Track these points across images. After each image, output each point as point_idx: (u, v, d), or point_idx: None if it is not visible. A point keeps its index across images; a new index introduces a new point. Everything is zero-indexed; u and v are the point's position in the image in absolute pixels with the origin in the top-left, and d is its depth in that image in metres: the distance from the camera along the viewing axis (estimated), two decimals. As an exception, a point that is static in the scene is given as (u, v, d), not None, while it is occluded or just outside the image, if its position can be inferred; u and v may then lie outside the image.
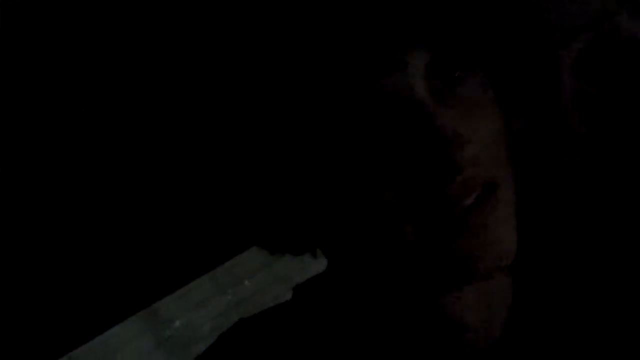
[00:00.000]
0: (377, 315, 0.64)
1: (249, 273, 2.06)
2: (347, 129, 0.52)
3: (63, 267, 1.96)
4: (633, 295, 0.65)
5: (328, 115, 0.52)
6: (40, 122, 1.85)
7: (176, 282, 2.01)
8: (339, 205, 0.54)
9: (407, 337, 0.63)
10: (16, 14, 1.76)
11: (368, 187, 0.53)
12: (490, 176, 0.54)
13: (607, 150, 0.73)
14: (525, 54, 0.60)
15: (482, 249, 0.52)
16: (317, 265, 0.72)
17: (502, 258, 0.53)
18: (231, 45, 0.54)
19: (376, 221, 0.53)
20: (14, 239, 1.93)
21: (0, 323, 1.94)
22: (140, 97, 1.69)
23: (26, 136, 1.86)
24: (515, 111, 0.60)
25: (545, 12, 0.64)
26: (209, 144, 0.58)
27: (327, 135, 0.53)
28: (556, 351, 0.63)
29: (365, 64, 0.51)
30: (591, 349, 0.63)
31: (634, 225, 0.69)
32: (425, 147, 0.50)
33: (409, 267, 0.54)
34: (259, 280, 2.07)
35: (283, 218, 0.59)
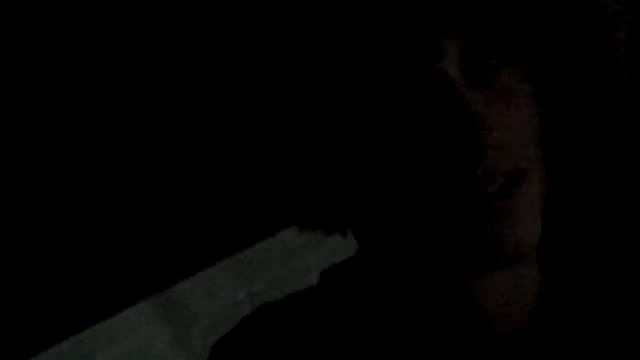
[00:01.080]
0: (403, 300, 0.65)
1: (266, 265, 2.07)
2: (382, 109, 0.54)
3: (76, 248, 1.97)
4: None
5: (365, 95, 0.54)
6: (45, 110, 1.85)
7: (190, 268, 2.01)
8: (370, 184, 0.56)
9: (431, 322, 0.64)
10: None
11: (397, 168, 0.54)
12: (518, 165, 0.55)
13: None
14: (573, 40, 0.60)
15: (502, 236, 0.54)
16: (334, 259, 0.73)
17: (522, 247, 0.54)
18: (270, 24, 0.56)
19: (403, 201, 0.55)
20: (27, 221, 1.94)
21: (11, 305, 1.96)
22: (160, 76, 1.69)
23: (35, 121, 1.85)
24: (561, 108, 0.61)
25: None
26: (237, 125, 0.60)
27: (362, 114, 0.55)
28: (582, 343, 0.63)
29: (402, 48, 0.53)
30: (618, 342, 0.64)
31: None
32: (453, 129, 0.52)
33: (434, 249, 0.56)
34: (275, 273, 2.07)
35: (316, 194, 0.61)
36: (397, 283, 0.65)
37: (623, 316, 0.65)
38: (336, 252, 0.75)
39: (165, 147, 1.86)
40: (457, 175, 0.53)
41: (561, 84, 0.61)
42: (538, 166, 0.57)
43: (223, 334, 0.75)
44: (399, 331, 0.66)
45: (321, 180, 0.59)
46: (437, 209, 0.54)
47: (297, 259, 2.05)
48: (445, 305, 0.62)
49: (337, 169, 0.57)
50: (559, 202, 0.68)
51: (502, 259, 0.54)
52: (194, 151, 1.82)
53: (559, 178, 0.68)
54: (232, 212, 1.90)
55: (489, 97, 0.54)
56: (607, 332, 0.64)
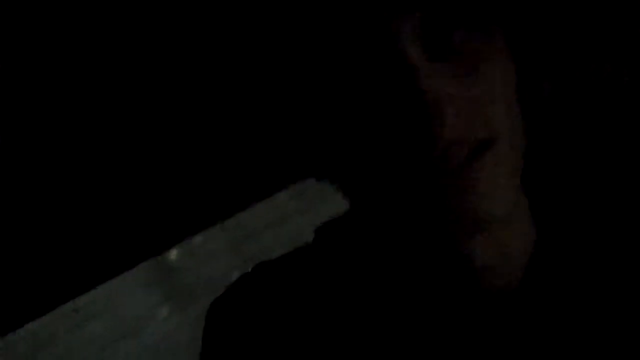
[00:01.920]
0: (396, 256, 0.66)
1: (261, 230, 2.07)
2: (351, 87, 0.55)
3: (70, 213, 1.98)
4: None
5: (335, 74, 0.55)
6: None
7: (184, 234, 2.03)
8: (354, 144, 0.56)
9: (426, 277, 0.65)
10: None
11: (371, 140, 0.55)
12: (483, 135, 0.55)
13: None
14: None
15: (465, 208, 0.54)
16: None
17: (487, 216, 0.55)
18: None
19: (379, 169, 0.56)
20: (23, 185, 1.93)
21: (5, 271, 1.96)
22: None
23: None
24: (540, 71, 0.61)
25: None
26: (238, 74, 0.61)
27: (341, 83, 0.56)
28: (574, 300, 0.65)
29: (356, 34, 0.53)
30: (610, 300, 0.65)
31: None
32: (409, 111, 0.52)
33: (411, 217, 0.57)
34: (270, 238, 2.08)
35: (312, 144, 0.61)
36: (388, 242, 0.66)
37: (615, 270, 0.66)
38: (332, 217, 0.75)
39: (160, 114, 1.86)
40: (415, 153, 0.53)
41: (535, 45, 0.61)
42: (512, 126, 0.57)
43: (219, 294, 0.76)
44: (392, 287, 0.67)
45: (317, 137, 0.60)
46: (408, 183, 0.55)
47: (290, 224, 2.06)
48: (437, 260, 0.63)
49: (330, 130, 0.58)
50: (549, 158, 0.70)
51: (468, 230, 0.56)
52: (188, 118, 1.82)
53: (545, 131, 0.70)
54: (224, 177, 1.90)
55: (456, 68, 0.54)
56: (600, 286, 0.65)
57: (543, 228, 0.67)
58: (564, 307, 0.65)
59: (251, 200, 2.00)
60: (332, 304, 0.69)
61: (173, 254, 2.07)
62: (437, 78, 0.52)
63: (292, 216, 2.05)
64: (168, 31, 1.73)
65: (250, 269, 0.76)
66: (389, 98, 0.53)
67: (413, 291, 0.66)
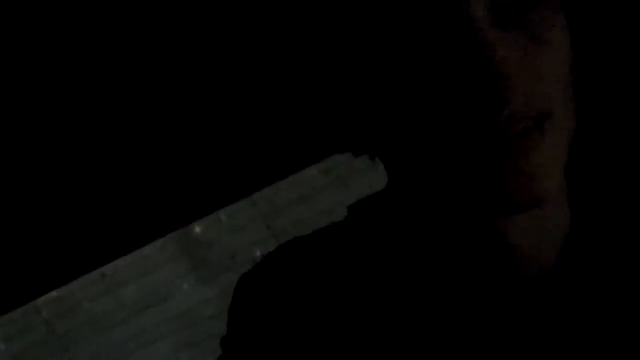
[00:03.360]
0: (431, 236, 0.66)
1: (289, 205, 2.07)
2: (414, 52, 0.54)
3: (102, 184, 2.00)
4: None
5: (396, 38, 0.55)
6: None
7: (214, 205, 2.02)
8: (403, 120, 0.56)
9: (460, 259, 0.64)
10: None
11: (427, 108, 0.54)
12: (543, 108, 0.54)
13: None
14: None
15: (520, 181, 0.54)
16: (357, 198, 0.73)
17: (541, 191, 0.55)
18: None
19: (432, 141, 0.55)
20: (57, 156, 1.96)
21: (35, 238, 1.99)
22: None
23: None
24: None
25: None
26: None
27: (395, 57, 0.55)
28: (610, 283, 0.63)
29: None
30: None
31: None
32: (476, 78, 0.52)
33: (459, 190, 0.57)
34: (300, 212, 2.08)
35: (353, 118, 0.61)
36: (426, 219, 0.65)
37: None
38: (362, 193, 0.75)
39: (187, 86, 1.86)
40: (476, 121, 0.53)
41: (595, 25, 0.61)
42: (566, 106, 0.57)
43: (247, 270, 0.75)
44: (426, 268, 0.66)
45: (359, 110, 0.60)
46: (460, 153, 0.55)
47: (318, 199, 2.06)
48: (472, 244, 0.63)
49: (374, 102, 0.58)
50: (591, 142, 0.69)
51: (521, 203, 0.55)
52: (220, 91, 1.82)
53: (591, 116, 0.68)
54: (254, 151, 1.91)
55: (521, 38, 0.53)
56: (636, 271, 0.64)
57: (578, 210, 0.66)
58: (599, 293, 0.63)
59: (281, 175, 2.00)
60: (362, 284, 0.69)
61: (201, 226, 2.07)
62: (505, 46, 0.51)
63: (321, 191, 2.05)
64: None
65: (278, 244, 0.75)
66: (453, 65, 0.53)
67: (446, 274, 0.65)
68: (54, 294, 2.05)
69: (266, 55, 0.60)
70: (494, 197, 0.55)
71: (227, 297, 0.77)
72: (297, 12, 0.59)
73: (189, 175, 1.99)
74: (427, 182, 0.59)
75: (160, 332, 2.11)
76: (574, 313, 0.63)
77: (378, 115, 0.58)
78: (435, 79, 0.54)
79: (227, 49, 1.71)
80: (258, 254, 2.06)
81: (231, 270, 2.08)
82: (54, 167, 1.96)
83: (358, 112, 0.60)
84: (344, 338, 0.68)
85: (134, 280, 2.09)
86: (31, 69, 1.88)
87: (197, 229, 2.07)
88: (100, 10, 1.82)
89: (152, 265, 2.09)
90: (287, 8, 0.59)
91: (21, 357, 2.11)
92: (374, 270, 0.69)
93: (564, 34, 0.56)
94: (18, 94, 1.90)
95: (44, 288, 2.03)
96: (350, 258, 0.71)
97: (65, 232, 2.00)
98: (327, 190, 2.06)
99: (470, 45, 0.52)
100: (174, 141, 1.96)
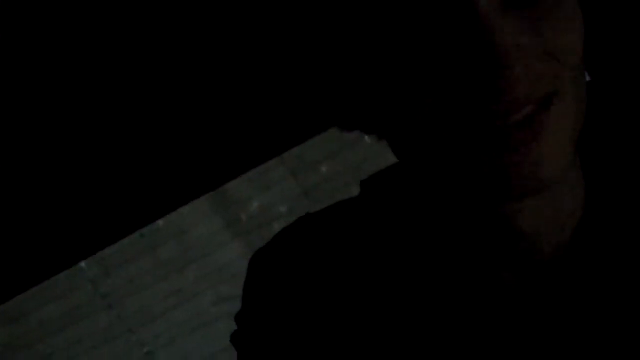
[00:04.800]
0: (440, 215, 0.64)
1: (320, 160, 2.07)
2: (417, 36, 0.52)
3: (140, 151, 2.02)
4: None
5: (400, 20, 0.52)
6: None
7: (246, 164, 2.03)
8: (401, 95, 0.53)
9: (467, 239, 0.63)
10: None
11: (419, 88, 0.52)
12: (553, 86, 0.52)
13: None
14: None
15: (521, 168, 0.51)
16: (387, 153, 0.69)
17: (544, 177, 0.52)
18: None
19: (434, 126, 0.53)
20: (102, 124, 1.97)
21: (78, 203, 2.03)
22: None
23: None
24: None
25: None
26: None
27: (400, 41, 0.52)
28: (626, 263, 0.61)
29: None
30: None
31: None
32: (476, 60, 0.49)
33: (463, 177, 0.54)
34: (329, 167, 2.08)
35: (356, 98, 0.58)
36: (436, 199, 0.63)
37: None
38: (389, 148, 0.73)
39: (221, 49, 1.85)
40: (475, 107, 0.50)
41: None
42: (577, 86, 0.54)
43: (262, 245, 0.74)
44: (436, 245, 0.65)
45: (367, 88, 0.57)
46: (460, 137, 0.52)
47: (347, 155, 2.05)
48: (479, 226, 0.61)
49: (381, 81, 0.55)
50: (602, 122, 0.65)
51: (522, 190, 0.52)
52: (247, 55, 1.80)
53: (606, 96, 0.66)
54: (284, 111, 1.89)
55: (530, 14, 0.50)
56: None
57: (593, 191, 0.63)
58: (611, 278, 0.61)
59: (309, 133, 2.00)
60: (375, 260, 0.67)
61: (233, 185, 2.08)
62: (509, 28, 0.49)
63: (350, 147, 2.04)
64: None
65: (308, 199, 0.75)
66: (455, 48, 0.50)
67: (456, 254, 0.63)
68: (96, 255, 2.10)
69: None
70: (496, 184, 0.52)
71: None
72: None
73: (219, 138, 2.00)
74: (431, 166, 0.56)
75: (199, 287, 2.13)
76: (587, 299, 0.61)
77: (381, 100, 0.55)
78: (438, 63, 0.51)
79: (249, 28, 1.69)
80: (285, 209, 2.07)
81: (263, 226, 2.08)
82: (93, 137, 1.98)
83: (369, 91, 0.57)
84: (355, 318, 0.66)
85: (172, 239, 2.12)
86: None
87: (230, 188, 2.08)
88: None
89: (188, 224, 2.11)
90: None
91: (69, 315, 2.15)
92: (386, 247, 0.67)
93: (575, 12, 0.53)
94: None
95: (87, 250, 2.08)
96: (362, 235, 0.69)
97: (104, 197, 2.03)
98: (355, 145, 2.03)
99: (471, 27, 0.49)
100: (205, 109, 1.97)
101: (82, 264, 2.10)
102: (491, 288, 0.62)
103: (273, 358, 0.70)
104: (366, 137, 0.64)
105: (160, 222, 2.09)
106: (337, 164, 2.07)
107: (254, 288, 0.73)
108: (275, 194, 2.09)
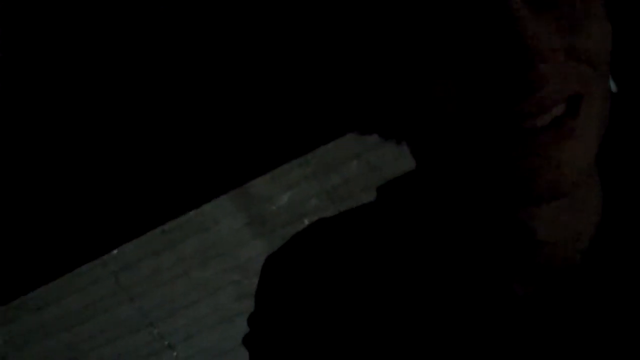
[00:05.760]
0: (458, 222, 0.63)
1: (341, 161, 2.06)
2: (443, 34, 0.51)
3: (163, 147, 2.02)
4: None
5: (426, 19, 0.51)
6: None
7: (269, 163, 2.03)
8: (422, 99, 0.53)
9: (484, 249, 0.61)
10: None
11: (452, 93, 0.51)
12: (576, 90, 0.51)
13: None
14: None
15: (540, 174, 0.50)
16: (409, 156, 0.69)
17: (562, 185, 0.51)
18: None
19: (454, 127, 0.52)
20: (122, 117, 1.97)
21: (101, 198, 2.04)
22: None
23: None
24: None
25: None
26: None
27: (424, 38, 0.51)
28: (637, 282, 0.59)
29: None
30: None
31: None
32: (505, 59, 0.48)
33: (481, 179, 0.53)
34: (350, 168, 2.07)
35: (376, 103, 0.58)
36: (452, 206, 0.62)
37: None
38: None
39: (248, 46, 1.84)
40: (501, 107, 0.50)
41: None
42: (603, 86, 0.53)
43: (276, 249, 0.74)
44: (454, 253, 0.63)
45: (386, 92, 0.56)
46: (482, 140, 0.51)
47: (372, 156, 2.04)
48: (496, 232, 0.60)
49: (401, 85, 0.54)
50: (623, 131, 0.64)
51: (541, 195, 0.51)
52: (273, 57, 1.79)
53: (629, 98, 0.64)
54: (310, 111, 1.88)
55: (558, 18, 0.50)
56: None
57: (612, 200, 0.62)
58: (627, 289, 0.59)
59: (334, 134, 1.99)
60: (386, 267, 0.66)
61: (256, 185, 2.07)
62: (540, 28, 0.48)
63: (373, 148, 2.03)
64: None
65: (330, 198, 0.75)
66: (486, 46, 0.49)
67: (470, 262, 0.62)
68: (119, 249, 2.12)
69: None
70: (515, 188, 0.51)
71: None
72: None
73: (244, 137, 2.00)
74: (452, 169, 0.55)
75: (221, 283, 2.15)
76: (601, 309, 0.59)
77: (403, 102, 0.54)
78: (468, 63, 0.50)
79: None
80: (307, 208, 2.07)
81: (285, 224, 2.09)
82: (118, 134, 1.99)
83: (388, 95, 0.56)
84: (365, 324, 0.65)
85: (193, 236, 2.13)
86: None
87: (253, 187, 2.08)
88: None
89: (210, 222, 2.11)
90: None
91: (92, 306, 2.17)
92: (399, 254, 0.66)
93: (603, 15, 0.52)
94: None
95: (110, 244, 2.10)
96: (375, 241, 0.68)
97: (128, 194, 2.04)
98: (380, 146, 2.00)
99: (502, 28, 0.48)
100: (230, 109, 1.97)
101: (105, 257, 2.12)
102: (502, 300, 0.61)
103: None
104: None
105: (182, 219, 2.10)
106: (360, 165, 2.06)
107: (267, 291, 0.73)
108: (297, 193, 2.09)
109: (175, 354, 2.23)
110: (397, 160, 0.71)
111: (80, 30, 1.86)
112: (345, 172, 2.07)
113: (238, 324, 2.14)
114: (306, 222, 2.07)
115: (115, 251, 2.11)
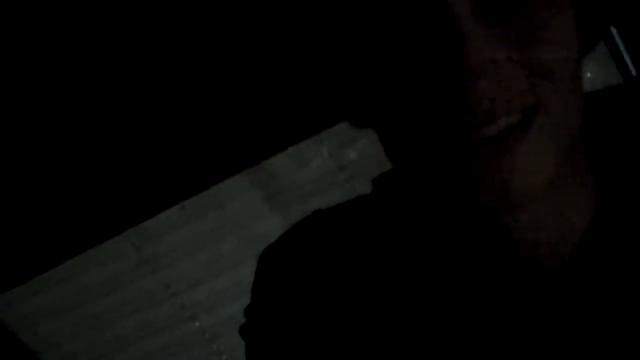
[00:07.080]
0: (438, 220, 0.62)
1: (355, 138, 2.06)
2: (392, 42, 0.50)
3: (182, 125, 2.03)
4: None
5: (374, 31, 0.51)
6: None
7: (284, 141, 2.03)
8: (383, 98, 0.52)
9: (467, 250, 0.61)
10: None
11: (398, 92, 0.51)
12: (534, 99, 0.49)
13: None
14: None
15: (492, 185, 0.49)
16: None
17: (515, 195, 0.49)
18: None
19: (406, 129, 0.51)
20: (137, 99, 1.99)
21: (113, 175, 2.06)
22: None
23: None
24: None
25: None
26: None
27: (380, 35, 0.51)
28: (635, 277, 0.58)
29: None
30: None
31: None
32: (446, 71, 0.47)
33: (442, 185, 0.52)
34: (364, 146, 2.06)
35: (358, 96, 0.57)
36: (430, 204, 0.61)
37: None
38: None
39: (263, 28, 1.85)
40: (447, 118, 0.49)
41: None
42: (566, 100, 0.51)
43: (274, 240, 0.73)
44: (442, 252, 0.62)
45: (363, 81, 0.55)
46: (437, 149, 0.50)
47: None
48: (477, 237, 0.59)
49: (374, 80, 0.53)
50: (609, 135, 0.62)
51: (504, 205, 0.50)
52: (287, 43, 1.80)
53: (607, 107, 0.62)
54: (323, 90, 1.87)
55: (513, 31, 0.48)
56: None
57: (605, 204, 0.60)
58: (617, 291, 0.58)
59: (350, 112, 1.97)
60: (381, 260, 0.65)
61: (272, 162, 2.08)
62: (485, 41, 0.46)
63: None
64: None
65: (345, 176, 0.74)
66: (428, 57, 0.48)
67: (455, 261, 0.61)
68: (140, 225, 2.13)
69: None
70: (468, 196, 0.50)
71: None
72: None
73: (260, 116, 2.00)
74: (416, 173, 0.54)
75: (240, 256, 2.16)
76: (589, 313, 0.58)
77: (371, 101, 0.54)
78: (414, 69, 0.49)
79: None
80: (321, 184, 2.06)
81: (300, 200, 2.10)
82: (137, 117, 2.00)
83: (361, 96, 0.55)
84: (360, 317, 0.65)
85: (212, 211, 2.14)
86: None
87: (269, 164, 2.08)
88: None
89: (228, 197, 2.13)
90: None
91: (115, 279, 2.20)
92: (393, 248, 0.65)
93: (564, 25, 0.50)
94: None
95: (132, 220, 2.11)
96: (371, 234, 0.67)
97: (149, 172, 2.05)
98: None
99: (446, 41, 0.46)
100: (247, 90, 1.97)
101: (128, 232, 2.14)
102: (494, 299, 0.60)
103: (279, 352, 0.69)
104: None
105: (200, 195, 2.10)
106: (375, 141, 2.00)
107: (264, 283, 0.72)
108: (312, 170, 2.09)
109: (197, 324, 2.25)
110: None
111: (78, 23, 1.87)
112: (359, 148, 2.06)
113: (257, 295, 2.14)
114: (321, 196, 2.09)
115: (137, 227, 2.13)
